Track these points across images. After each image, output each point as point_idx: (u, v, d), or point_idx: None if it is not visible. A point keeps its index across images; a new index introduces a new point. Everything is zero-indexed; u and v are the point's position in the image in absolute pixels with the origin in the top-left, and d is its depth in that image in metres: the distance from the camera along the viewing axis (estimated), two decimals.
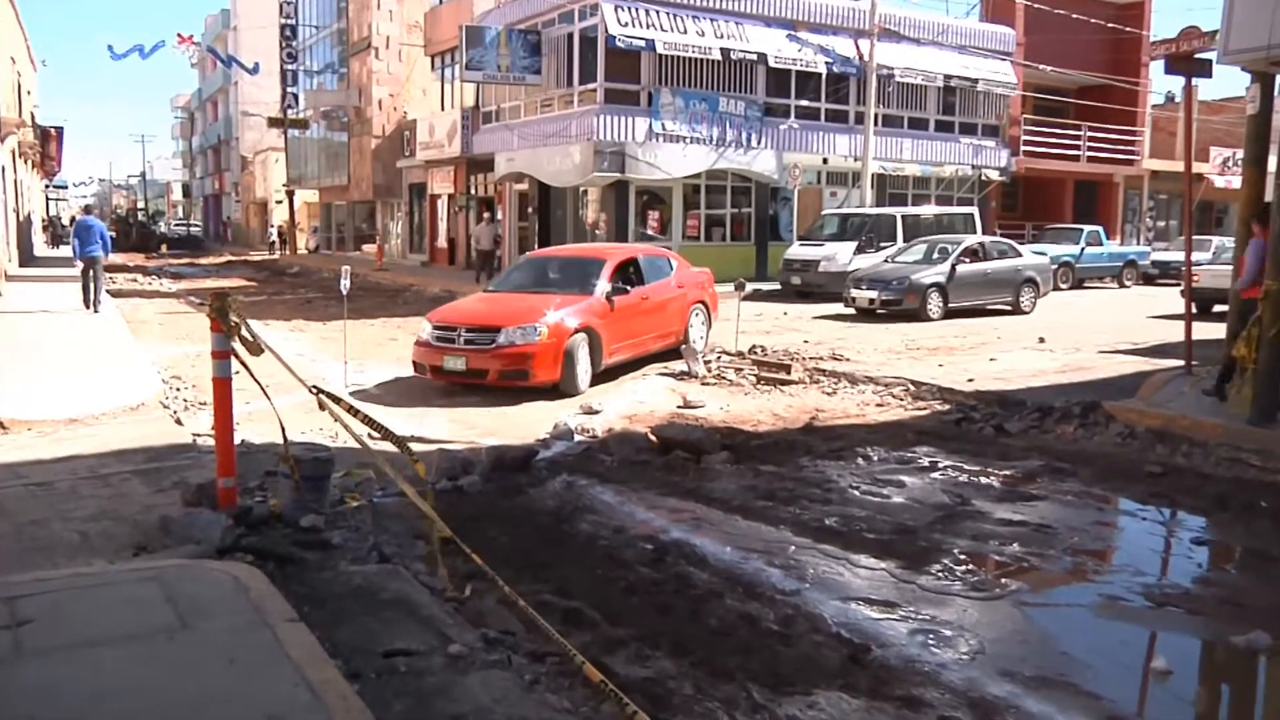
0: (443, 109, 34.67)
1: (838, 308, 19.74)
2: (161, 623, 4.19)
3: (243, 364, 5.77)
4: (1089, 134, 33.13)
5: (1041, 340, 15.11)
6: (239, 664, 3.84)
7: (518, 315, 11.02)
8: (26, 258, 33.90)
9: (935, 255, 19.87)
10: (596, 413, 10.07)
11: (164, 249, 53.19)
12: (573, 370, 10.99)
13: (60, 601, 4.41)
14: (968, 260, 19.44)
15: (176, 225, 76.41)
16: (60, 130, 41.40)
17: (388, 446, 5.49)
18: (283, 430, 6.00)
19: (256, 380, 5.87)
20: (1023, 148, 32.20)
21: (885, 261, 20.83)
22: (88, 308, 17.63)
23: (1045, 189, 33.95)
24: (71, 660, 3.86)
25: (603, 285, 11.96)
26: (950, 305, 18.87)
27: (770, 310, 20.05)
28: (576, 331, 11.11)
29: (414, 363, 11.33)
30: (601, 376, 11.69)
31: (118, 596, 4.49)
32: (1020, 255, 20.65)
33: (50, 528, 5.81)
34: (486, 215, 28.73)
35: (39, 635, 4.07)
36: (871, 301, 18.79)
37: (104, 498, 6.43)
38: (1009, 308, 19.85)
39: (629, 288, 12.38)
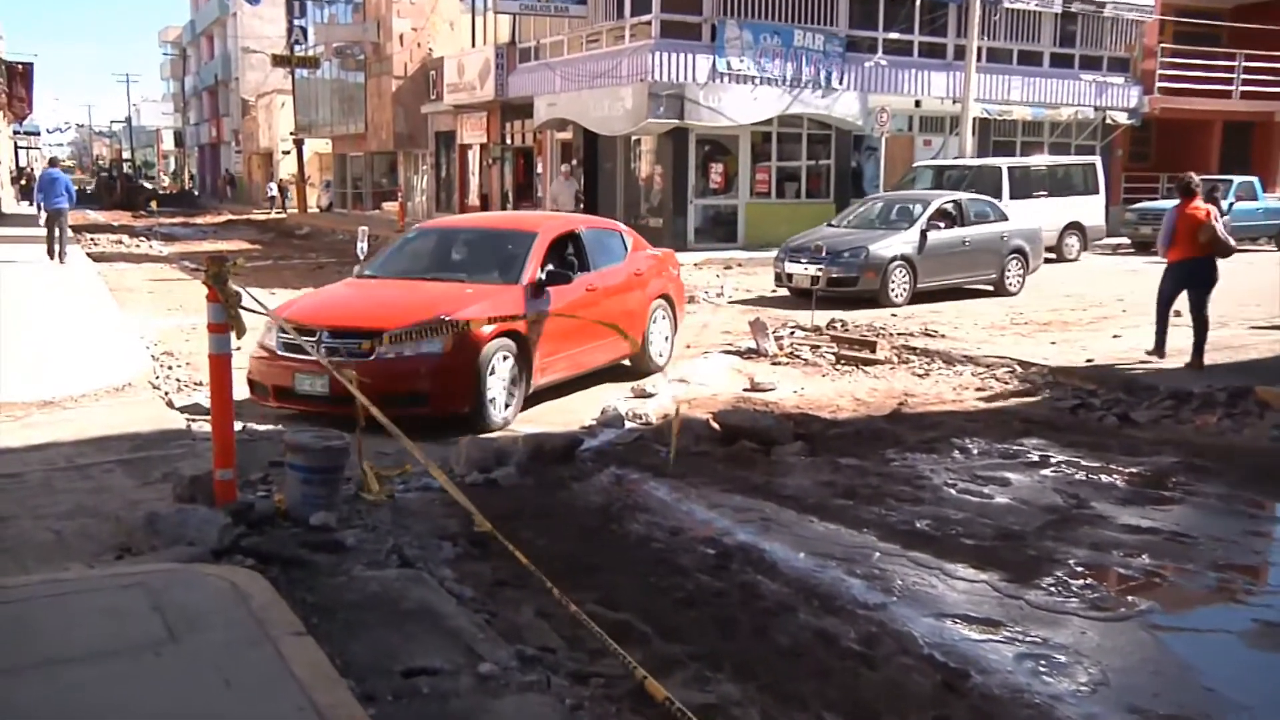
0: (473, 45, 34.77)
1: None
2: (147, 636, 4.23)
3: (263, 307, 5.71)
4: (1245, 64, 32.07)
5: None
6: (236, 684, 3.87)
7: (408, 312, 8.80)
8: None
9: (894, 218, 17.71)
10: (650, 396, 10.08)
11: (154, 206, 54.07)
12: (488, 394, 8.82)
13: (29, 611, 4.47)
14: (940, 225, 17.22)
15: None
16: (30, 67, 41.50)
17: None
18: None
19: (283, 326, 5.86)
20: (1158, 84, 31.45)
21: (828, 226, 18.95)
22: (52, 259, 21.06)
23: (1185, 133, 33.07)
24: (40, 679, 3.89)
25: (532, 270, 9.74)
26: (919, 286, 16.69)
27: None
28: (495, 337, 8.85)
29: (249, 381, 9.00)
30: (528, 401, 9.57)
31: (96, 605, 4.53)
32: (1006, 218, 18.35)
33: (19, 526, 5.91)
34: (565, 168, 28.02)
35: (3, 650, 4.12)
36: (814, 280, 16.28)
37: (82, 492, 6.53)
38: (990, 287, 17.77)
39: (570, 274, 10.17)
